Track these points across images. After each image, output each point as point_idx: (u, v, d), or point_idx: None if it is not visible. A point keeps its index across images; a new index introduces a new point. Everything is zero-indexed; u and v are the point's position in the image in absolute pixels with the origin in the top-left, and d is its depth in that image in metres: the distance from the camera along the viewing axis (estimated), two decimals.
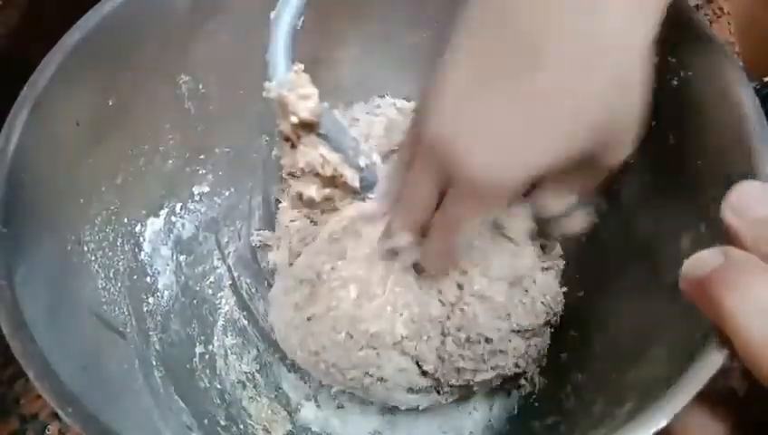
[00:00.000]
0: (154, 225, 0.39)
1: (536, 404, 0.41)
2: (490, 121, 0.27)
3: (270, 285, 0.44)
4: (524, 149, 0.26)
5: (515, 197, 0.29)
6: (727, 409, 0.22)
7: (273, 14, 0.26)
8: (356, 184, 0.25)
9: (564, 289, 0.39)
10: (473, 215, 0.30)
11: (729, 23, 0.59)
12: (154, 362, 0.35)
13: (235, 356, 0.43)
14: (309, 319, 0.37)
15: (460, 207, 0.30)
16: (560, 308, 0.39)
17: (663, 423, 0.21)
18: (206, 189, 0.43)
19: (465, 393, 0.39)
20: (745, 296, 0.19)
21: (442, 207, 0.30)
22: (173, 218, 0.41)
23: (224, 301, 0.44)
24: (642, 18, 0.25)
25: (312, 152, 0.24)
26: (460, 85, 0.27)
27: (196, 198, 0.42)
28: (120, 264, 0.35)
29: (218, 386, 0.40)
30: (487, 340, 0.37)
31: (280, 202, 0.43)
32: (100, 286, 0.33)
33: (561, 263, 0.40)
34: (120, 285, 0.35)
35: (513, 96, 0.26)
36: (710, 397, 0.22)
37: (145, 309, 0.37)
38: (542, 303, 0.38)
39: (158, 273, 0.39)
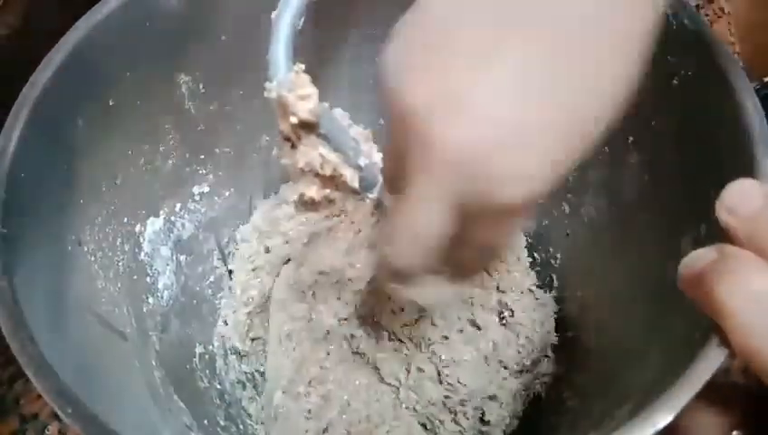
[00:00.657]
0: (154, 225, 0.39)
1: (537, 404, 0.41)
2: (536, 118, 0.21)
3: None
4: (575, 141, 0.22)
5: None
6: (731, 405, 0.22)
7: (273, 14, 0.26)
8: (355, 184, 0.25)
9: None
10: (504, 232, 0.25)
11: (729, 23, 0.59)
12: (154, 363, 0.35)
13: (234, 356, 0.43)
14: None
15: (486, 230, 0.24)
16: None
17: (662, 424, 0.21)
18: (206, 189, 0.43)
19: None
20: (738, 288, 0.20)
21: (464, 239, 0.24)
22: (173, 218, 0.41)
23: (224, 301, 0.44)
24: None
25: (312, 152, 0.24)
26: (502, 75, 0.21)
27: (197, 198, 0.42)
28: (120, 264, 0.35)
29: (218, 386, 0.40)
30: (491, 398, 0.38)
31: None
32: (100, 286, 0.33)
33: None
34: (119, 285, 0.35)
35: (566, 81, 0.21)
36: (714, 393, 0.22)
37: (145, 309, 0.37)
38: (527, 336, 0.39)
39: (158, 273, 0.39)
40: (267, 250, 0.44)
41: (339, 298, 0.40)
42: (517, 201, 0.22)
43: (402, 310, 0.39)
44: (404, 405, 0.38)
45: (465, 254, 0.25)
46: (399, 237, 0.24)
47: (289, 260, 0.43)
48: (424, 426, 0.39)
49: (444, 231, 0.23)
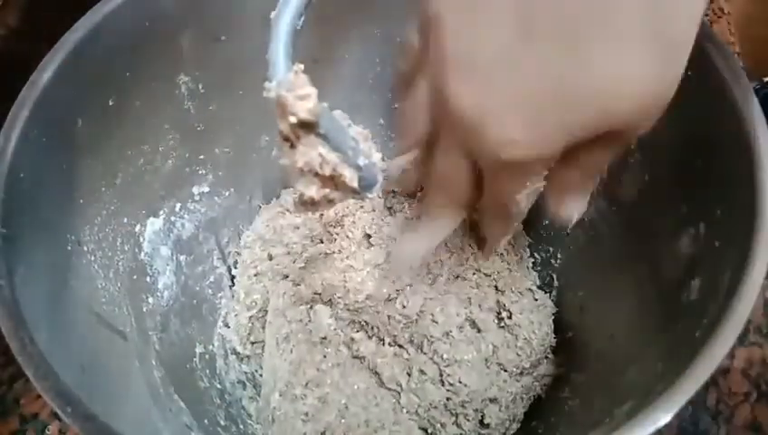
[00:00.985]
0: (154, 225, 0.39)
1: (536, 405, 0.41)
2: (529, 91, 0.23)
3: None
4: (563, 121, 0.24)
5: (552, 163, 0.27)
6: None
7: (273, 14, 0.26)
8: (355, 184, 0.25)
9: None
10: (518, 188, 0.28)
11: (729, 23, 0.59)
12: (154, 362, 0.35)
13: (234, 356, 0.43)
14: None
15: (502, 183, 0.28)
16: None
17: (663, 422, 0.21)
18: (206, 189, 0.43)
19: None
20: None
21: (485, 186, 0.28)
22: (173, 218, 0.41)
23: (224, 301, 0.44)
24: None
25: (311, 152, 0.24)
26: (500, 43, 0.23)
27: (196, 198, 0.42)
28: (120, 264, 0.35)
29: (218, 386, 0.40)
30: (491, 400, 0.38)
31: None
32: (99, 286, 0.33)
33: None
34: (119, 284, 0.35)
35: (560, 63, 0.23)
36: None
37: (145, 309, 0.37)
38: (526, 338, 0.39)
39: (158, 273, 0.39)
40: (270, 257, 0.44)
41: (332, 311, 0.40)
42: (506, 159, 0.25)
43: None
44: (405, 410, 0.38)
45: (487, 203, 0.30)
46: (436, 179, 0.30)
47: (287, 276, 0.43)
48: (425, 430, 0.38)
49: (465, 176, 0.28)
